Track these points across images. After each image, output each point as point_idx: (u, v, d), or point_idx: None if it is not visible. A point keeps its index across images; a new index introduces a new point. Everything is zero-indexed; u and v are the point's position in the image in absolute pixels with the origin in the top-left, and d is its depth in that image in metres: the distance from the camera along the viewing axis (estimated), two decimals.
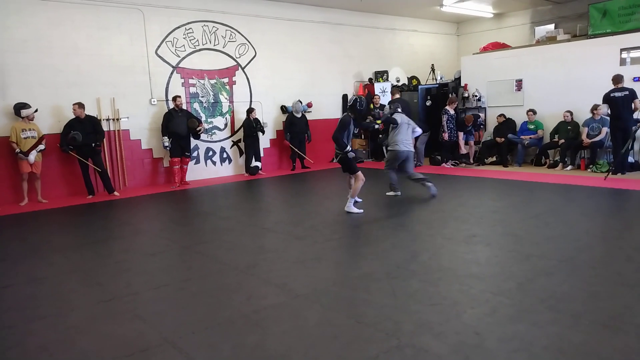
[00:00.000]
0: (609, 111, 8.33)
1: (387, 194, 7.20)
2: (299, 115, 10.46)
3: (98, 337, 3.04)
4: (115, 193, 8.31)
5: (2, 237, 5.93)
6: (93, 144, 8.03)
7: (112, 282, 4.05)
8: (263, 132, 10.14)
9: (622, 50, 8.93)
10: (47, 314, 3.43)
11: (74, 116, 7.91)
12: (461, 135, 10.16)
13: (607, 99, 8.26)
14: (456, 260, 4.20)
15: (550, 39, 10.50)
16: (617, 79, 8.18)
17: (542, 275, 3.71)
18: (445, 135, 10.07)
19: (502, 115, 10.23)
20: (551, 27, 11.46)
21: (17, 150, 7.45)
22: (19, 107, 7.55)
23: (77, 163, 8.14)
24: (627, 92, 8.06)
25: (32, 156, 7.60)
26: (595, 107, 8.76)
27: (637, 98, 8.01)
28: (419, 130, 7.31)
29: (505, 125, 10.17)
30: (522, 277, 3.69)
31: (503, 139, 9.97)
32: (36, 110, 7.68)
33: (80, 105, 7.91)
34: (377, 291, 3.56)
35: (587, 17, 10.22)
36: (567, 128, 9.31)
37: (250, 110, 9.97)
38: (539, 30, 11.42)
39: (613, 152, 8.51)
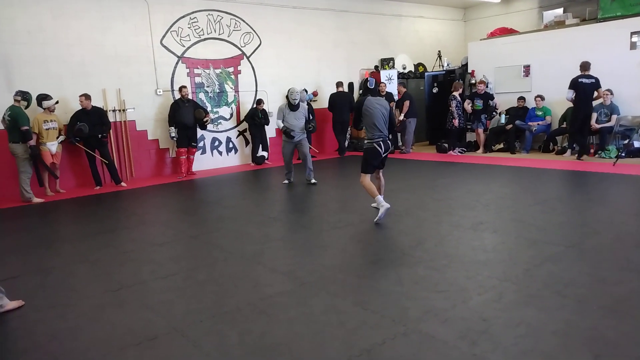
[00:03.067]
0: (574, 96, 8.36)
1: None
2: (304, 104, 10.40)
3: (107, 325, 3.07)
4: (123, 184, 8.35)
5: (10, 227, 5.98)
6: (99, 135, 8.06)
7: (120, 271, 4.09)
8: (267, 123, 10.13)
9: (632, 33, 8.78)
10: (56, 303, 3.47)
11: (80, 107, 7.93)
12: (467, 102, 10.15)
13: (575, 84, 8.32)
14: (463, 246, 4.19)
15: (559, 24, 10.34)
16: (585, 65, 8.31)
17: (549, 261, 3.69)
18: (456, 122, 10.01)
19: (522, 98, 10.07)
20: (560, 11, 11.29)
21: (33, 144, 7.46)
22: (41, 99, 7.55)
23: (84, 154, 8.18)
24: (593, 80, 8.25)
25: (54, 147, 7.67)
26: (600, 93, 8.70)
27: (601, 87, 8.24)
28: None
29: (519, 111, 10.05)
30: (529, 263, 3.68)
31: (511, 126, 9.88)
32: (57, 102, 7.70)
33: (87, 97, 7.92)
34: (383, 278, 3.57)
35: (596, 1, 10.04)
36: None
37: (259, 102, 9.94)
38: (547, 14, 11.26)
39: (570, 135, 8.77)
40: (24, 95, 7.23)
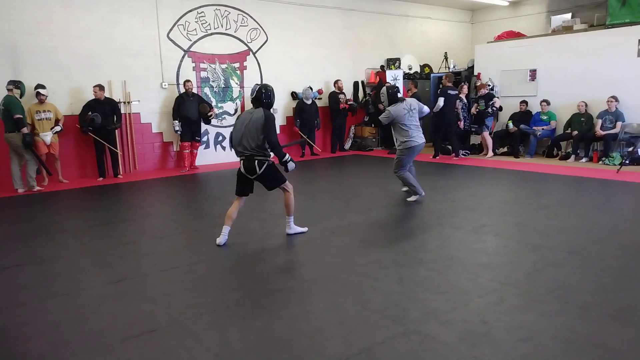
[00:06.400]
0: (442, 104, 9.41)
1: (409, 199, 6.04)
2: (309, 102, 10.42)
3: (108, 316, 3.08)
4: (119, 175, 8.40)
5: (13, 217, 6.00)
6: (113, 126, 8.14)
7: (122, 263, 4.10)
8: None
9: None
10: (58, 293, 3.49)
11: (90, 98, 7.98)
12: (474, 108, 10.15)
13: (445, 93, 9.51)
14: (465, 249, 4.18)
15: (567, 29, 10.30)
16: (452, 77, 9.91)
17: (551, 266, 3.69)
18: (461, 124, 9.98)
19: (524, 102, 10.07)
20: (568, 16, 11.25)
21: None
22: (36, 88, 7.57)
23: (90, 145, 8.20)
24: (455, 92, 9.66)
25: (48, 137, 7.66)
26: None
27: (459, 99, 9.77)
28: (426, 109, 6.10)
29: (524, 115, 10.02)
30: (530, 268, 3.67)
31: (515, 129, 9.86)
32: (44, 90, 7.58)
33: (101, 88, 8.00)
34: (384, 278, 3.57)
35: (605, 6, 10.00)
36: (581, 120, 9.18)
37: None
38: (555, 19, 11.22)
39: (440, 139, 9.94)
40: (16, 84, 7.23)
